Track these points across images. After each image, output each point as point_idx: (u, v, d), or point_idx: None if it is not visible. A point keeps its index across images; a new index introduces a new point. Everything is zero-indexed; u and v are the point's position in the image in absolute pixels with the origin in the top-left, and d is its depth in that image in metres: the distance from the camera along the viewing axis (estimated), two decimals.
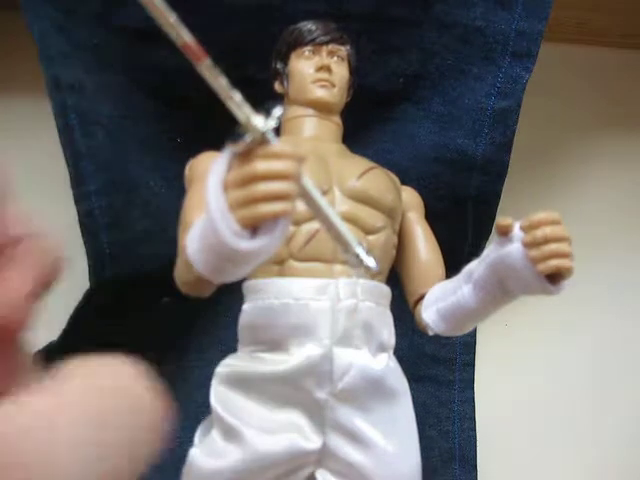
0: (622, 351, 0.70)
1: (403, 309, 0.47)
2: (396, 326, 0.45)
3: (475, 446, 0.62)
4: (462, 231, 0.60)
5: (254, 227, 0.21)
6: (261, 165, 0.16)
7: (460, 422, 0.62)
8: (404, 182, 0.50)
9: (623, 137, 0.74)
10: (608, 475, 0.68)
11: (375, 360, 0.41)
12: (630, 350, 0.70)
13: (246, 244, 0.19)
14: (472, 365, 0.64)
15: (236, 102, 0.18)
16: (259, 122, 0.18)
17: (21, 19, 0.51)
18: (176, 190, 0.45)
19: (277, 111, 0.18)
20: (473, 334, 0.63)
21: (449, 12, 0.56)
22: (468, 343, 0.63)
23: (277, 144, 0.17)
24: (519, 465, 0.66)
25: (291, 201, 0.16)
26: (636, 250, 0.72)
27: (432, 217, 0.50)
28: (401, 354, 0.45)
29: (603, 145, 0.73)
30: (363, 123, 0.57)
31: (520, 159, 0.61)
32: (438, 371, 0.63)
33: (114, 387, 0.16)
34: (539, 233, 0.34)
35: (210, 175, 0.16)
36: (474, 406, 0.63)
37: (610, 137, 0.73)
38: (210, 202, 0.18)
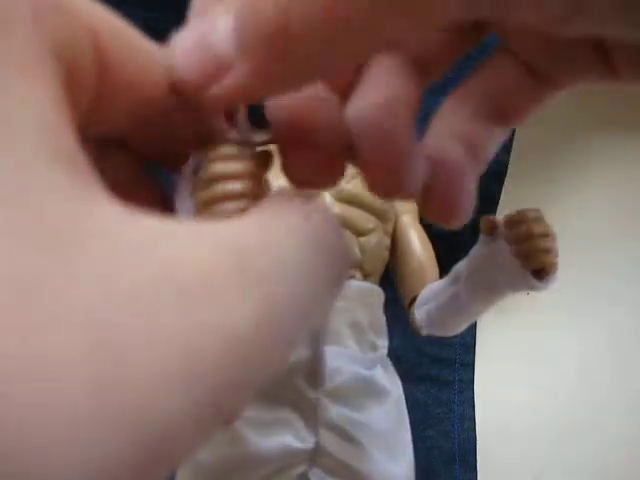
0: (624, 351, 0.70)
1: (403, 309, 0.47)
2: (396, 326, 0.45)
3: (475, 446, 0.62)
4: (462, 232, 0.60)
5: None
6: (218, 166, 0.17)
7: (460, 422, 0.62)
8: None
9: (623, 137, 0.73)
10: (609, 475, 0.68)
11: (365, 359, 0.41)
12: (632, 350, 0.70)
13: None
14: (472, 365, 0.64)
15: None
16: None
17: None
18: None
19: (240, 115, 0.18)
20: (473, 334, 0.63)
21: None
22: (468, 343, 0.63)
23: (234, 147, 0.18)
24: (519, 466, 0.66)
25: (246, 200, 0.17)
26: (637, 250, 0.72)
27: None
28: (401, 354, 0.45)
29: (603, 145, 0.73)
30: None
31: (520, 159, 0.61)
32: (438, 371, 0.63)
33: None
34: (522, 229, 0.35)
35: (181, 183, 0.17)
36: (474, 406, 0.63)
37: (610, 137, 0.73)
38: (177, 203, 0.19)
